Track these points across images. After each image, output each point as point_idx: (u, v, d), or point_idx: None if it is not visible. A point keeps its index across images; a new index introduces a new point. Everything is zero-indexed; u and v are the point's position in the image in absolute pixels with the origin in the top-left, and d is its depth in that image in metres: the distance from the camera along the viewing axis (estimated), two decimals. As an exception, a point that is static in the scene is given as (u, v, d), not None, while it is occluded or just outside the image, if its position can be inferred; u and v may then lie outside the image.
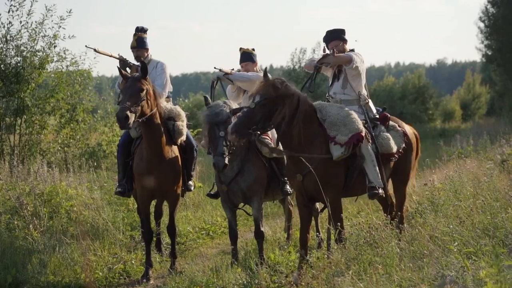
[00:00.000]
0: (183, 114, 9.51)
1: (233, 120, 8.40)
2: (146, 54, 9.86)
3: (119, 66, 9.33)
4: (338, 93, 8.77)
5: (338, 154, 7.93)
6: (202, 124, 8.87)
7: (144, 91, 8.64)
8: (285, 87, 7.81)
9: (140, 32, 9.82)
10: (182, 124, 9.38)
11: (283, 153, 8.31)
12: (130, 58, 9.89)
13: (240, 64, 9.83)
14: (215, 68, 9.46)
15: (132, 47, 9.83)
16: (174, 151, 9.31)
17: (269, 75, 8.02)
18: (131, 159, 9.39)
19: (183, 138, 9.39)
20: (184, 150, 9.52)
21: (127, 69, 9.69)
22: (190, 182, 9.75)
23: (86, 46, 9.38)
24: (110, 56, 9.61)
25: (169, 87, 9.88)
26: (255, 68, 9.75)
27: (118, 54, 9.72)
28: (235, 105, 8.90)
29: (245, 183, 8.89)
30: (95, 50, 9.42)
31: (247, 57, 9.78)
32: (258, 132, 7.73)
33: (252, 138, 7.87)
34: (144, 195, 9.33)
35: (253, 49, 9.84)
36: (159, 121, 8.99)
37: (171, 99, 10.00)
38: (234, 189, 8.96)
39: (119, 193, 9.69)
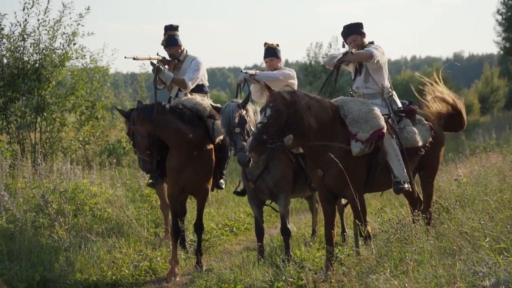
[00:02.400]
0: None
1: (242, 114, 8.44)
2: (179, 51, 9.87)
3: (155, 63, 9.34)
4: (360, 87, 8.70)
5: (357, 150, 7.85)
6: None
7: None
8: (294, 97, 7.67)
9: (169, 31, 9.83)
10: None
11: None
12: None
13: (264, 59, 9.75)
14: (241, 71, 9.41)
15: (165, 46, 9.86)
16: (207, 149, 9.29)
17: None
18: (166, 153, 9.37)
19: (222, 137, 9.38)
20: (219, 148, 9.50)
21: (166, 66, 9.68)
22: (221, 181, 9.74)
23: (125, 57, 9.36)
24: (150, 59, 9.54)
25: (205, 83, 9.94)
26: (279, 64, 9.69)
27: (157, 54, 9.66)
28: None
29: (272, 180, 8.84)
30: (134, 58, 9.36)
31: (271, 52, 9.69)
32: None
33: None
34: (175, 191, 9.31)
35: (278, 45, 9.74)
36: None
37: (208, 95, 9.99)
38: (260, 186, 8.92)
39: (151, 185, 9.81)
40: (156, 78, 9.34)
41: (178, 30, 9.92)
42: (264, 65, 9.93)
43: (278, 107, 7.52)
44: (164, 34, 9.85)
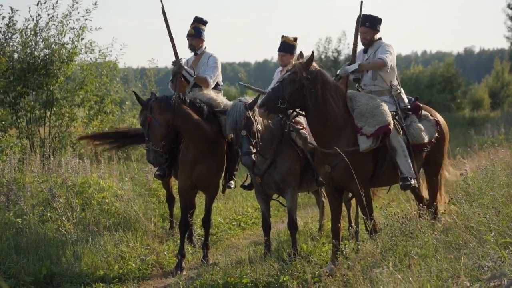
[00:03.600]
0: None
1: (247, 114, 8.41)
2: (200, 45, 9.98)
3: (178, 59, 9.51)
4: (368, 84, 8.70)
5: (366, 146, 7.88)
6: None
7: None
8: (314, 67, 7.83)
9: (198, 23, 9.92)
10: None
11: (314, 147, 8.29)
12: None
13: (278, 51, 9.74)
14: (239, 82, 9.47)
15: (189, 35, 9.94)
16: (220, 145, 9.31)
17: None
18: (177, 146, 9.40)
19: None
20: (229, 146, 9.49)
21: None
22: (232, 182, 9.74)
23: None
24: (175, 48, 9.59)
25: (220, 80, 9.99)
26: (291, 61, 9.67)
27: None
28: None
29: (279, 175, 8.83)
30: (164, 12, 9.53)
31: (285, 47, 9.64)
32: (291, 113, 7.74)
33: (286, 125, 7.88)
34: (186, 185, 9.33)
35: (295, 39, 9.69)
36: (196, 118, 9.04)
37: (222, 91, 10.03)
38: (267, 181, 8.91)
39: (158, 176, 9.80)
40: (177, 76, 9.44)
41: (205, 25, 10.02)
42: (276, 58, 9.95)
43: (296, 69, 7.75)
44: (192, 24, 9.96)
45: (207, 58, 9.90)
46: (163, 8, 9.51)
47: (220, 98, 9.50)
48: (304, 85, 7.70)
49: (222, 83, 10.09)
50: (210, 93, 9.55)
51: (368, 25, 8.64)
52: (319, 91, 7.78)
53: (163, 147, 8.91)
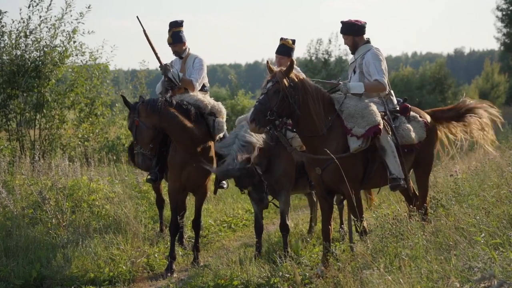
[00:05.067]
0: (224, 111, 9.53)
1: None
2: (183, 48, 9.96)
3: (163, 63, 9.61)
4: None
5: (355, 146, 7.87)
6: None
7: None
8: (294, 75, 7.80)
9: (174, 27, 9.86)
10: (223, 121, 9.41)
11: (301, 156, 8.30)
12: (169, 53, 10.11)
13: (275, 54, 9.72)
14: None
15: (169, 44, 9.92)
16: (209, 146, 9.30)
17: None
18: (166, 149, 9.38)
19: (222, 135, 9.41)
20: None
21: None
22: (224, 182, 9.73)
23: (137, 17, 9.49)
24: (156, 54, 9.65)
25: (206, 82, 9.98)
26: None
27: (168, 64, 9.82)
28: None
29: (273, 178, 8.86)
30: (144, 31, 9.65)
31: (283, 50, 9.62)
32: (278, 122, 7.74)
33: (275, 133, 7.86)
34: (176, 187, 9.33)
35: (294, 41, 9.68)
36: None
37: (208, 92, 10.02)
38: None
39: (150, 181, 9.79)
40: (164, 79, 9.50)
41: (182, 26, 9.97)
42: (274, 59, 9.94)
43: (277, 78, 7.69)
44: (169, 31, 9.89)
45: (192, 60, 9.89)
46: (144, 31, 9.63)
47: (207, 99, 9.49)
48: (288, 94, 7.69)
49: (208, 84, 10.09)
50: (197, 94, 9.55)
51: (345, 32, 8.66)
52: (301, 98, 7.76)
53: (151, 150, 8.91)
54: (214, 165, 9.35)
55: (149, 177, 9.79)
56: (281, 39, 9.68)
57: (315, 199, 10.69)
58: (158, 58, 9.62)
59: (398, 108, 8.61)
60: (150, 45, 9.65)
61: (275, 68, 7.95)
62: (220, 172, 8.64)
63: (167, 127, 8.93)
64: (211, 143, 9.38)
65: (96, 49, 16.68)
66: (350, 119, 7.98)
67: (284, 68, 7.85)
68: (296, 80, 7.81)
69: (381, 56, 8.56)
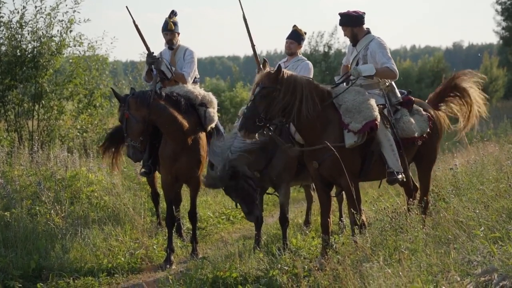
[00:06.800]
0: (215, 101, 9.55)
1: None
2: (177, 38, 9.97)
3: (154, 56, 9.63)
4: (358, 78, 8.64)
5: (351, 142, 7.82)
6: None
7: None
8: (282, 75, 7.70)
9: (175, 16, 9.93)
10: (214, 111, 9.40)
11: (295, 151, 8.28)
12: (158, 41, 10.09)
13: (287, 39, 9.74)
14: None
15: (169, 30, 9.92)
16: (200, 137, 9.29)
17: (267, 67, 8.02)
18: (158, 141, 9.38)
19: (213, 125, 9.39)
20: (210, 136, 9.48)
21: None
22: None
23: (126, 7, 9.54)
24: (146, 45, 9.67)
25: (196, 74, 9.98)
26: (297, 51, 9.69)
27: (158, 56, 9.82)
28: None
29: (275, 170, 8.86)
30: (135, 24, 9.64)
31: (294, 36, 9.69)
32: (270, 127, 7.71)
33: (267, 133, 7.83)
34: (168, 179, 9.33)
35: (305, 33, 9.79)
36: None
37: (198, 83, 10.01)
38: (263, 175, 8.93)
39: (144, 174, 9.81)
40: (151, 70, 9.49)
41: (176, 16, 9.95)
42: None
43: (264, 83, 7.62)
44: (170, 18, 9.96)
45: (183, 52, 9.89)
46: (134, 22, 9.65)
47: (198, 90, 9.52)
48: (275, 97, 7.63)
49: (198, 76, 10.12)
50: (188, 85, 9.56)
51: (344, 23, 8.62)
52: (289, 96, 7.68)
53: (142, 143, 8.94)
54: (205, 153, 9.36)
55: (142, 170, 9.81)
56: (294, 26, 9.75)
57: (312, 193, 10.68)
58: (148, 48, 9.65)
59: (401, 100, 8.57)
60: (140, 35, 9.71)
61: (266, 69, 7.90)
62: (205, 182, 8.72)
63: (156, 119, 8.95)
64: (203, 134, 9.38)
65: (95, 40, 16.65)
66: (348, 114, 7.92)
67: (274, 69, 7.78)
68: (285, 77, 7.75)
69: (386, 44, 8.51)
